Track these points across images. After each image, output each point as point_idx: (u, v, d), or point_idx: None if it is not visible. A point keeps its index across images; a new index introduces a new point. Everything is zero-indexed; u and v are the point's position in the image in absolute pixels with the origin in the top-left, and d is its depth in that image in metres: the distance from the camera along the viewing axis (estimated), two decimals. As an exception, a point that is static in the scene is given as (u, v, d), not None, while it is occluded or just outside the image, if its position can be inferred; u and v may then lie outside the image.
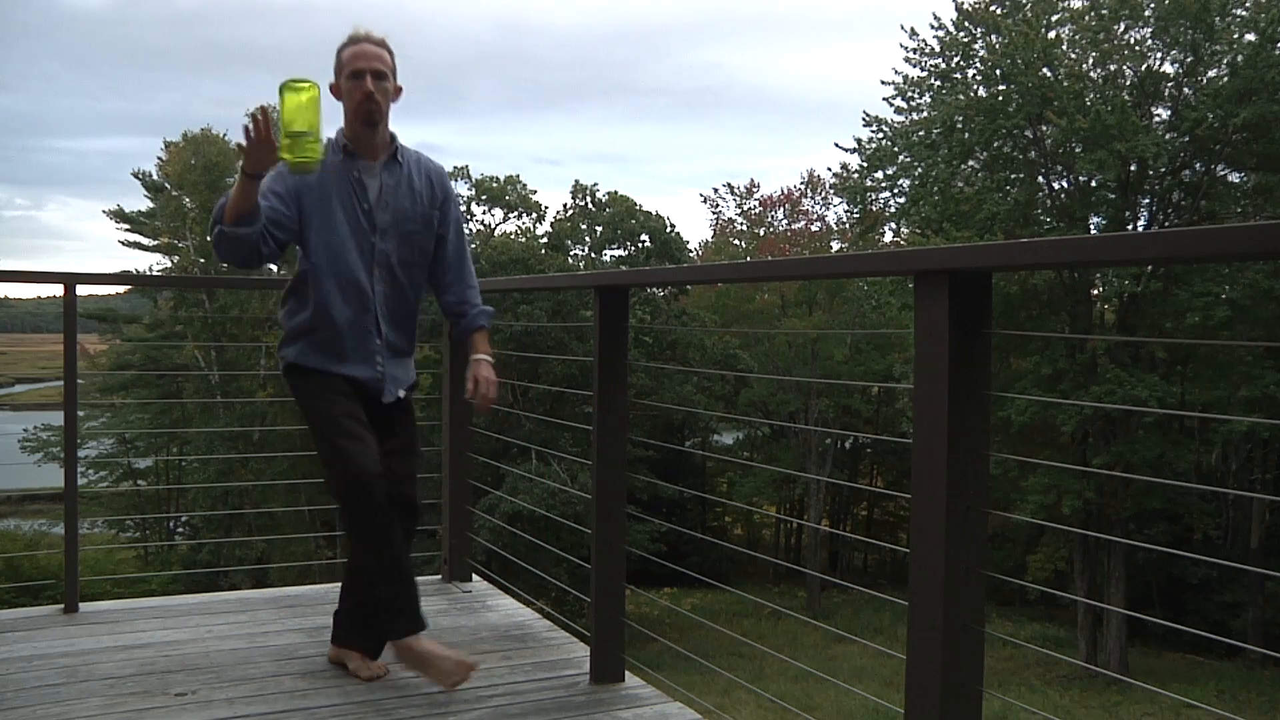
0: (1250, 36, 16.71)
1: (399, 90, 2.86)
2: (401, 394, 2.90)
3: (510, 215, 29.49)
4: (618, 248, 27.60)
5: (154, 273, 26.39)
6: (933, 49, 19.08)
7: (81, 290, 3.62)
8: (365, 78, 2.73)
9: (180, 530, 25.46)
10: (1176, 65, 18.07)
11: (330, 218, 2.76)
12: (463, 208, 29.15)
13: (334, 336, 2.78)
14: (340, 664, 2.97)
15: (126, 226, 26.68)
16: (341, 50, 2.79)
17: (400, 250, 2.84)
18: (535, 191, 29.39)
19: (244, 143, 2.44)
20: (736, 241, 31.71)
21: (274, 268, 26.97)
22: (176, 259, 25.70)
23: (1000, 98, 18.05)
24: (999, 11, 18.41)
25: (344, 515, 2.70)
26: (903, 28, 19.38)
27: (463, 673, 2.66)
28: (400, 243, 2.84)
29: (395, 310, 2.87)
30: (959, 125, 18.65)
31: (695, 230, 49.83)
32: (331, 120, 2.74)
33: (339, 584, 3.15)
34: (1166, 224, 18.58)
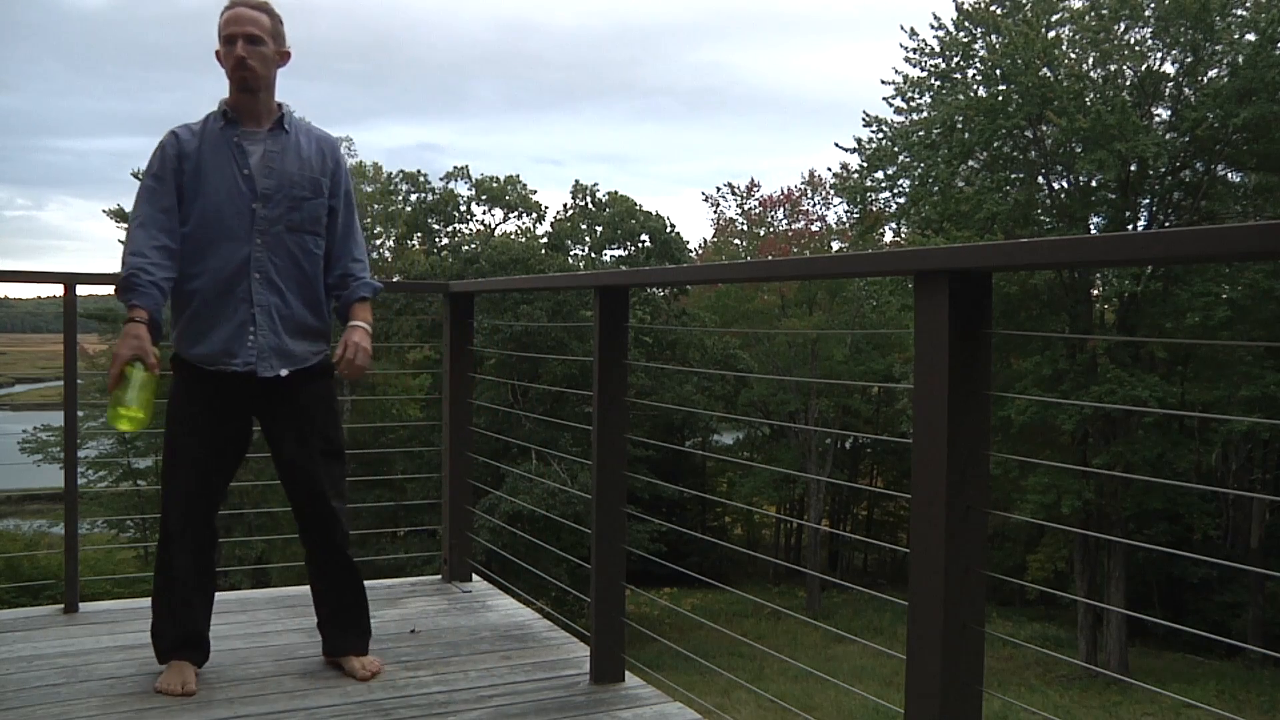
0: (1250, 36, 16.71)
1: (284, 55, 2.80)
2: (284, 372, 2.74)
3: (510, 215, 29.51)
4: (618, 248, 27.60)
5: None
6: (933, 49, 19.08)
7: (81, 290, 3.61)
8: (238, 43, 2.68)
9: (180, 530, 25.39)
10: (1176, 65, 18.08)
11: (204, 185, 2.69)
12: (464, 208, 29.28)
13: (204, 307, 2.69)
14: (337, 665, 2.98)
15: (126, 226, 26.68)
16: (221, 15, 2.74)
17: (289, 216, 2.74)
18: (535, 191, 29.44)
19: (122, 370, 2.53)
20: (736, 241, 31.72)
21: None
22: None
23: (1000, 98, 18.05)
24: (999, 11, 18.41)
25: (160, 544, 2.85)
26: (902, 28, 19.41)
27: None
28: (288, 208, 2.74)
29: (287, 278, 2.74)
30: (959, 125, 18.65)
31: (696, 230, 49.89)
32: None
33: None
34: (1166, 224, 18.58)
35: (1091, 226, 18.99)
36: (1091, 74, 18.34)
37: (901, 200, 20.11)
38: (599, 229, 27.68)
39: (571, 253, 27.55)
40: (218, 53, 2.75)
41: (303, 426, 2.82)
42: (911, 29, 19.21)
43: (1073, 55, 18.41)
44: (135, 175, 26.08)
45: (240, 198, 2.70)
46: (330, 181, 2.85)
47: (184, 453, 2.80)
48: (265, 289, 2.71)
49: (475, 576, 4.11)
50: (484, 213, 29.60)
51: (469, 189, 29.37)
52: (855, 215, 22.71)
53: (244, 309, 2.69)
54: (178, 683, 2.73)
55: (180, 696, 2.70)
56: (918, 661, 1.82)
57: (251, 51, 2.70)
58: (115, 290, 2.62)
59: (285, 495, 2.91)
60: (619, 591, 2.95)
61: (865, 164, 20.63)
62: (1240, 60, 16.66)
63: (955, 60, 18.98)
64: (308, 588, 3.07)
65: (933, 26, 18.97)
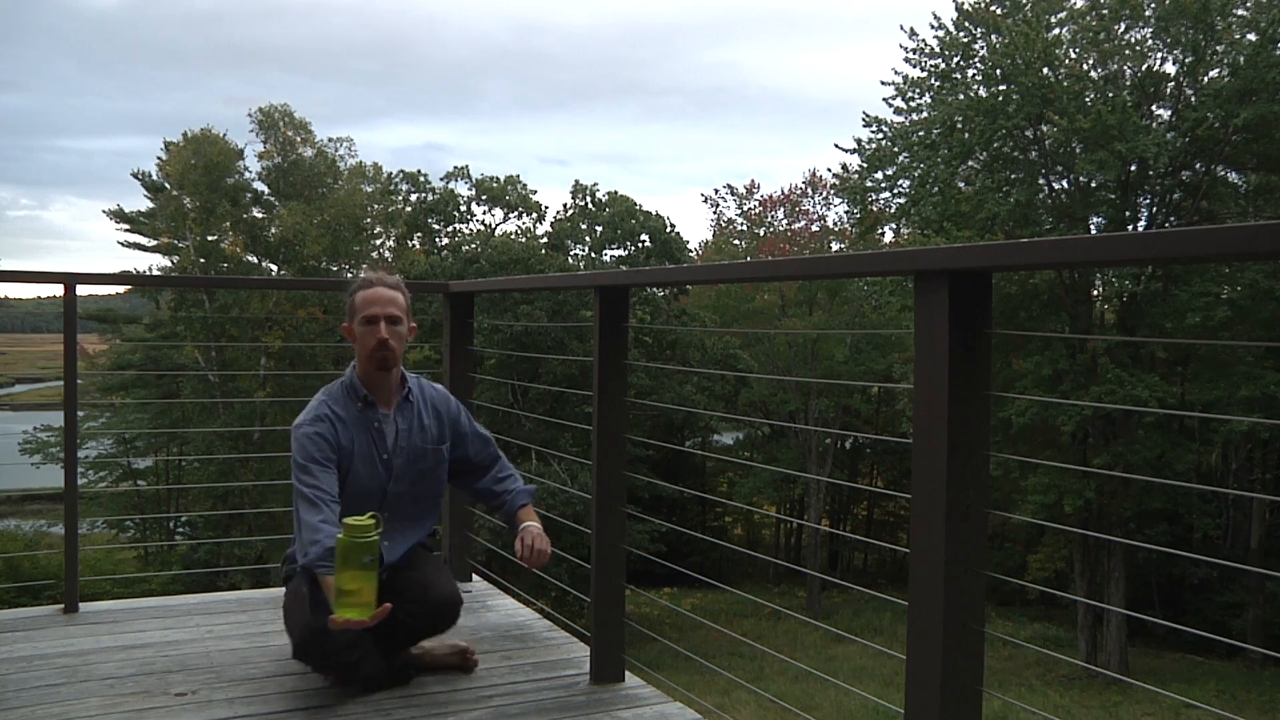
0: (1251, 36, 16.70)
1: (413, 330, 2.91)
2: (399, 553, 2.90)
3: (510, 215, 29.52)
4: (618, 248, 27.61)
5: (154, 273, 26.37)
6: (932, 49, 19.08)
7: (81, 290, 3.62)
8: (380, 324, 2.76)
9: (180, 530, 25.45)
10: (1177, 65, 18.07)
11: (351, 468, 2.79)
12: (464, 208, 29.29)
13: None
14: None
15: (126, 227, 26.67)
16: (355, 293, 2.81)
17: (413, 489, 2.92)
18: (535, 191, 29.44)
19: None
20: (736, 242, 31.72)
21: (274, 268, 27.07)
22: (176, 259, 25.68)
23: (1000, 98, 18.04)
24: (999, 11, 18.40)
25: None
26: (902, 28, 19.40)
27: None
28: (413, 482, 2.92)
29: (404, 529, 2.91)
30: (959, 125, 18.64)
31: (698, 230, 49.83)
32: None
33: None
34: (1166, 224, 18.57)
35: (1091, 226, 18.98)
36: (1092, 74, 18.34)
37: (901, 200, 20.11)
38: (599, 229, 27.68)
39: (571, 253, 27.55)
40: (348, 328, 2.83)
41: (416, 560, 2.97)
42: (911, 29, 19.22)
43: (1073, 55, 18.41)
44: (136, 175, 26.08)
45: (377, 479, 2.84)
46: (450, 445, 2.98)
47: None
48: (389, 539, 2.82)
49: (475, 576, 4.11)
50: (484, 213, 29.63)
51: (469, 189, 29.39)
52: (855, 215, 22.70)
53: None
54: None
55: (182, 696, 2.69)
56: (918, 661, 1.82)
57: (393, 333, 2.79)
58: (305, 567, 2.60)
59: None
60: (619, 591, 2.95)
61: (865, 164, 20.63)
62: (1241, 60, 16.65)
63: (955, 60, 18.97)
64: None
65: (933, 26, 18.98)
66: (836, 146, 21.33)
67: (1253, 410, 16.78)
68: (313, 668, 2.80)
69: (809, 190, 29.69)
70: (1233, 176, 19.18)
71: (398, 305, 2.80)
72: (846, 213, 25.56)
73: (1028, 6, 18.33)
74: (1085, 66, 18.41)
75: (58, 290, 3.59)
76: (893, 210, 20.96)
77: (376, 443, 2.83)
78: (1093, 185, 19.09)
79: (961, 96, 18.64)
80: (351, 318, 2.81)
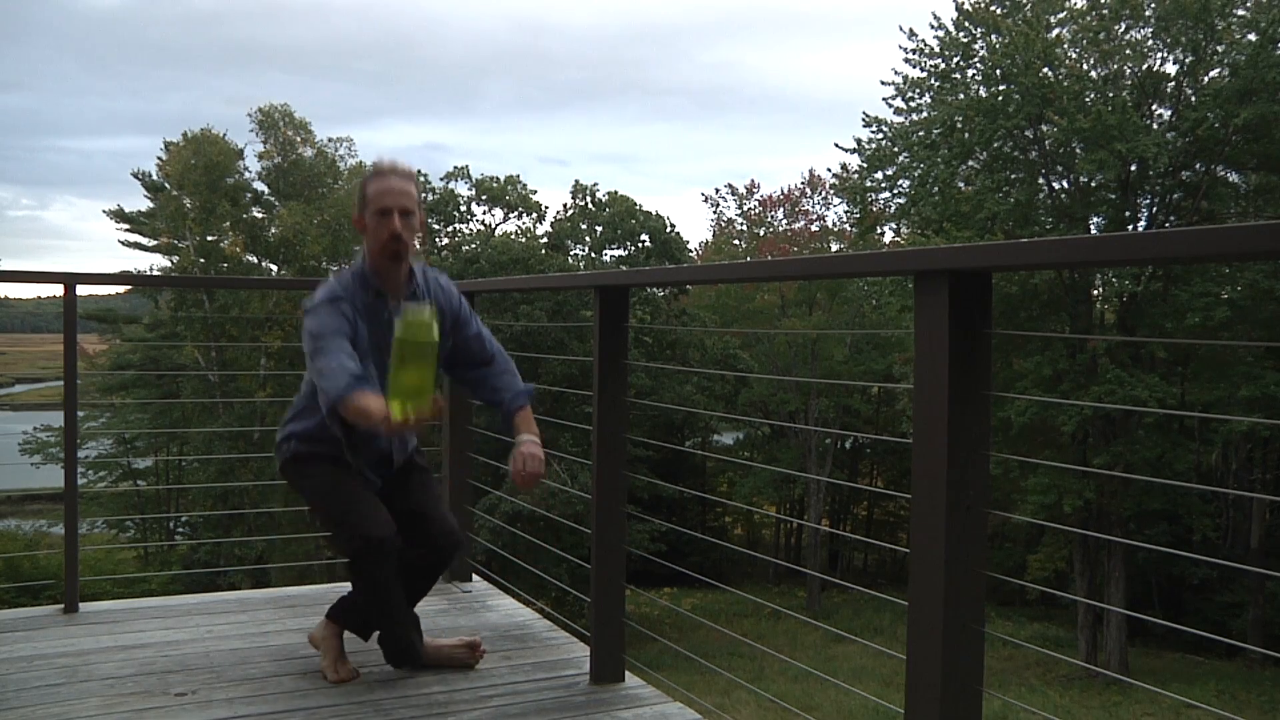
0: (1251, 36, 16.70)
1: (424, 222, 2.89)
2: (399, 460, 2.95)
3: (510, 215, 29.51)
4: (618, 248, 27.61)
5: (154, 273, 26.38)
6: (932, 49, 19.08)
7: (81, 290, 3.61)
8: (393, 216, 2.72)
9: (180, 530, 25.46)
10: (1177, 65, 18.06)
11: (364, 359, 2.76)
12: (464, 208, 29.29)
13: (340, 445, 2.83)
14: (316, 646, 3.02)
15: (126, 226, 26.69)
16: (367, 183, 2.78)
17: None
18: (535, 191, 29.44)
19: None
20: (736, 242, 31.73)
21: (274, 268, 27.02)
22: (176, 259, 25.70)
23: (1000, 98, 18.04)
24: (999, 11, 18.40)
25: (352, 568, 2.80)
26: (901, 28, 19.40)
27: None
28: None
29: None
30: (959, 125, 18.64)
31: (698, 230, 49.83)
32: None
33: (338, 584, 3.15)
34: (1166, 224, 18.57)
35: (1092, 226, 18.98)
36: (1092, 74, 18.34)
37: (901, 200, 20.11)
38: (599, 229, 27.69)
39: (571, 253, 27.56)
40: (358, 219, 2.80)
41: (411, 482, 3.00)
42: (911, 30, 19.22)
43: (1073, 55, 18.40)
44: (135, 175, 26.09)
45: (382, 371, 2.77)
46: (454, 335, 2.94)
47: (345, 481, 2.85)
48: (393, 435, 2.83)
49: (475, 576, 4.11)
50: (484, 213, 29.61)
51: (469, 189, 29.39)
52: (855, 215, 22.70)
53: (377, 445, 2.88)
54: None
55: (182, 696, 2.70)
56: (918, 661, 1.82)
57: (406, 225, 2.75)
58: (335, 409, 2.59)
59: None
60: (619, 591, 2.95)
61: (865, 164, 20.64)
62: (1241, 60, 16.65)
63: (955, 60, 18.98)
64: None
65: (932, 26, 18.98)
66: (836, 146, 21.36)
67: (1253, 410, 16.78)
68: (365, 566, 2.76)
69: (808, 190, 29.72)
70: (1233, 176, 19.18)
71: (410, 197, 2.76)
72: (846, 213, 25.58)
73: (1028, 6, 18.32)
74: (1085, 66, 18.40)
75: (58, 290, 3.59)
76: (892, 210, 20.97)
77: (385, 335, 2.76)
78: (1093, 185, 19.09)
79: (961, 96, 18.65)
80: (363, 208, 2.77)
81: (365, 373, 2.62)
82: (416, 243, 2.84)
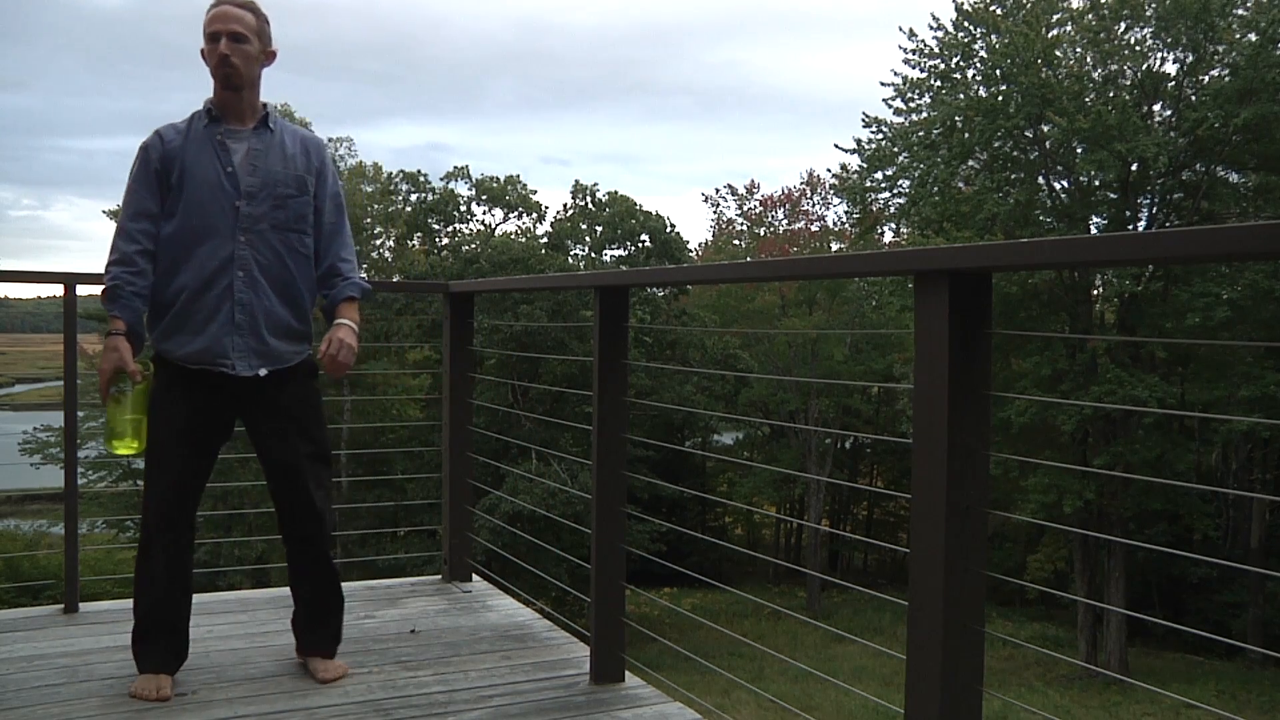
0: (1251, 36, 16.70)
1: (270, 54, 2.79)
2: (263, 371, 2.73)
3: (510, 215, 29.50)
4: (618, 248, 27.59)
5: (154, 273, 26.34)
6: (932, 50, 19.08)
7: (81, 290, 3.61)
8: (221, 40, 2.67)
9: (180, 530, 25.39)
10: (1177, 65, 18.07)
11: (188, 183, 2.68)
12: (464, 208, 29.28)
13: (186, 305, 2.68)
14: (303, 666, 2.99)
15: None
16: (207, 13, 2.72)
17: (273, 214, 2.73)
18: (535, 191, 29.42)
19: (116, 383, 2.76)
20: (737, 242, 31.74)
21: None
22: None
23: (1000, 98, 18.04)
24: (999, 11, 18.40)
25: (140, 545, 2.80)
26: (901, 29, 19.40)
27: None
28: (272, 206, 2.73)
29: (270, 277, 2.73)
30: (959, 125, 18.65)
31: (698, 230, 49.84)
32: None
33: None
34: (1166, 224, 18.58)
35: (1092, 226, 18.99)
36: (1092, 74, 18.33)
37: (901, 201, 20.11)
38: (599, 229, 27.67)
39: (571, 253, 27.54)
40: (203, 50, 2.74)
41: (285, 427, 2.81)
42: (910, 30, 19.22)
43: (1073, 55, 18.40)
44: (134, 175, 26.10)
45: (224, 195, 2.69)
46: (315, 180, 2.84)
47: (167, 450, 2.77)
48: (248, 287, 2.70)
49: (475, 576, 4.11)
50: (484, 213, 29.59)
51: (469, 189, 29.38)
52: (855, 216, 22.70)
53: (226, 307, 2.69)
54: (153, 688, 2.70)
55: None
56: (918, 661, 1.82)
57: (235, 49, 2.69)
58: (101, 297, 2.69)
59: (270, 496, 2.89)
60: (619, 591, 2.95)
61: (865, 164, 20.64)
62: (1241, 60, 16.66)
63: (955, 61, 18.98)
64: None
65: (932, 27, 18.98)
66: (836, 147, 21.35)
67: (1253, 410, 16.78)
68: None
69: (808, 190, 29.73)
70: (1233, 176, 19.17)
71: (242, 23, 2.68)
72: (846, 213, 25.57)
73: (1028, 6, 18.33)
74: (1085, 66, 18.40)
75: (58, 290, 3.58)
76: (892, 210, 20.98)
77: (220, 156, 2.70)
78: (1093, 185, 19.09)
79: (961, 97, 18.64)
80: (204, 38, 2.73)
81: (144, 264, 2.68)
82: (261, 72, 2.77)
